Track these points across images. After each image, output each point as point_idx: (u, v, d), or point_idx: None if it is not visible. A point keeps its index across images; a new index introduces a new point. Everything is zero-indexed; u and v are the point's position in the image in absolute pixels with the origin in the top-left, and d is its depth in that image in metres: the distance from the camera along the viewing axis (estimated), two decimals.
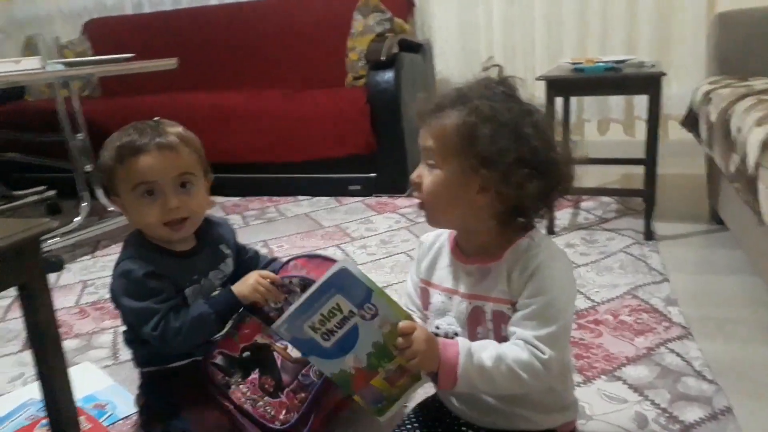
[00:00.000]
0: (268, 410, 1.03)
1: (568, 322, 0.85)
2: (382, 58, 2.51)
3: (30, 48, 3.31)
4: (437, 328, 0.91)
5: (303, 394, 1.03)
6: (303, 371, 1.04)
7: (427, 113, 0.85)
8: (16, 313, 1.76)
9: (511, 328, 0.83)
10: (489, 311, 0.85)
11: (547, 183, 0.82)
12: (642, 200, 2.04)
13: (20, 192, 2.85)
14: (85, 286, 1.96)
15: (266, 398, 1.04)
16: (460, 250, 0.91)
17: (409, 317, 0.84)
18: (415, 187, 0.86)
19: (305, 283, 1.06)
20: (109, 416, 1.22)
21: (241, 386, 1.06)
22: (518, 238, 0.86)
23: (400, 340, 0.81)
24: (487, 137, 0.79)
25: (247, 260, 1.24)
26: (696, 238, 1.95)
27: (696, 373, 1.20)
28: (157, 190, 1.05)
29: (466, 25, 3.21)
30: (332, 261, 1.08)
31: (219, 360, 1.10)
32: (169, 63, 2.34)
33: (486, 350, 0.81)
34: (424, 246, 0.97)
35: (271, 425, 1.02)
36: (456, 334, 0.88)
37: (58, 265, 2.05)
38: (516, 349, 0.81)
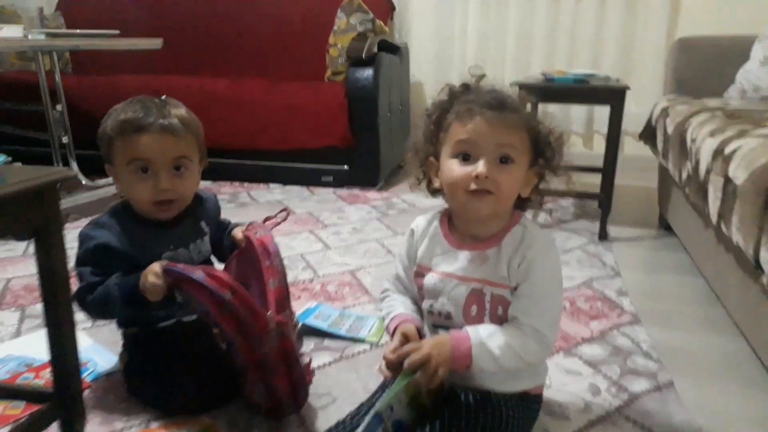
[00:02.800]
0: None
1: (561, 306, 0.98)
2: (364, 56, 2.59)
3: (2, 18, 3.26)
4: (431, 306, 0.99)
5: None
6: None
7: (500, 121, 0.89)
8: None
9: (514, 313, 0.93)
10: (488, 294, 0.94)
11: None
12: (597, 205, 2.19)
13: None
14: None
15: None
16: (454, 237, 0.99)
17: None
18: (488, 182, 0.89)
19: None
20: (90, 372, 1.25)
21: None
22: (513, 223, 0.96)
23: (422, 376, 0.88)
24: (545, 139, 0.93)
25: (226, 235, 1.26)
26: (646, 241, 2.11)
27: (644, 353, 1.33)
28: (152, 170, 1.10)
29: (442, 33, 3.35)
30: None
31: None
32: (154, 43, 2.36)
33: (494, 338, 0.90)
34: (417, 233, 1.03)
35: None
36: (449, 312, 0.96)
37: (23, 235, 2.05)
38: (521, 335, 0.91)
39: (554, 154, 0.95)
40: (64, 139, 2.16)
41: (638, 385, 1.20)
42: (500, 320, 0.94)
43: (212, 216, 1.28)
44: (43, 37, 2.19)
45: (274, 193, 2.70)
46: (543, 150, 0.94)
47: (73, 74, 3.30)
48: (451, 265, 0.97)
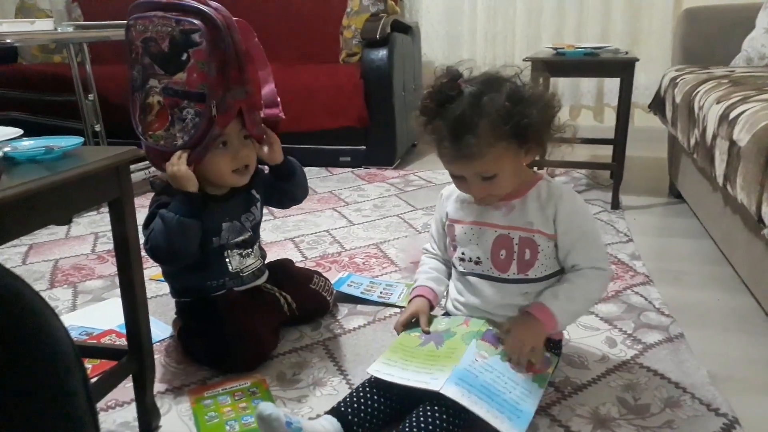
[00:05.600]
0: None
1: (600, 236, 1.12)
2: (378, 37, 2.67)
3: (23, 12, 3.35)
4: (462, 254, 1.10)
5: None
6: None
7: (459, 157, 0.96)
8: (35, 257, 1.88)
9: (574, 263, 1.05)
10: (516, 238, 1.05)
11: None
12: (609, 176, 2.27)
13: None
14: (97, 237, 2.08)
15: None
16: None
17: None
18: (485, 197, 1.03)
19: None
20: None
21: None
22: (535, 180, 1.07)
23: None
24: (517, 114, 0.93)
25: (271, 184, 1.39)
26: (657, 209, 2.19)
27: (656, 309, 1.43)
28: (229, 142, 1.22)
29: (452, 11, 3.41)
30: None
31: None
32: None
33: (572, 302, 1.04)
34: (445, 195, 1.18)
35: None
36: (479, 257, 1.08)
37: (65, 219, 2.16)
38: (586, 281, 1.04)
39: (538, 128, 0.96)
40: (97, 127, 2.27)
41: (651, 337, 1.30)
42: (527, 264, 1.06)
43: (261, 180, 1.38)
44: (71, 29, 2.29)
45: None
46: (528, 134, 0.96)
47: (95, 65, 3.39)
48: (479, 216, 1.09)
